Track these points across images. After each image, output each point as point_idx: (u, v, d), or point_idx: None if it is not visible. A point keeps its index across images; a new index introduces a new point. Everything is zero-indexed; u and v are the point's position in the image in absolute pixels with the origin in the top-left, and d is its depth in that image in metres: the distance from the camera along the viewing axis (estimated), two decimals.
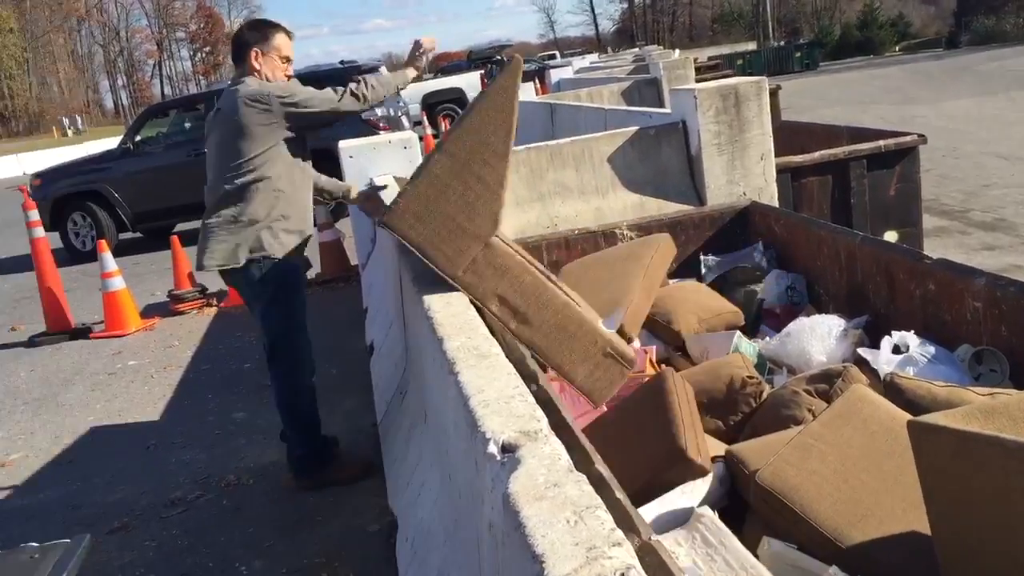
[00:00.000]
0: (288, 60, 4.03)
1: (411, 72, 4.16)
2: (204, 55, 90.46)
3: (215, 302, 8.75)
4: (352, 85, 3.94)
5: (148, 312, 8.83)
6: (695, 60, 15.40)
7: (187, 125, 13.16)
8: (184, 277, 8.83)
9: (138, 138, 12.83)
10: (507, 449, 1.74)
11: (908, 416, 2.38)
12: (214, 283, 9.13)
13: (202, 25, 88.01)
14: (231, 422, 5.45)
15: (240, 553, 3.84)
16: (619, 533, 1.36)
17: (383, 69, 15.15)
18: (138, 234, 13.36)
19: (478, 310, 2.87)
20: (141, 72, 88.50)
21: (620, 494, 2.22)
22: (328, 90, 3.94)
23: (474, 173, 2.26)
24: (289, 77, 4.08)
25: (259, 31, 4.01)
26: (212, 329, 7.90)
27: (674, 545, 2.16)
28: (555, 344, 2.30)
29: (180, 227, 12.37)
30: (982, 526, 1.74)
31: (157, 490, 4.62)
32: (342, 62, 13.78)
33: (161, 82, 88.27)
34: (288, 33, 4.06)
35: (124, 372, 6.97)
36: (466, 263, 2.25)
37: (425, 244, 2.23)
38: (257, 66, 3.93)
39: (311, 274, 4.85)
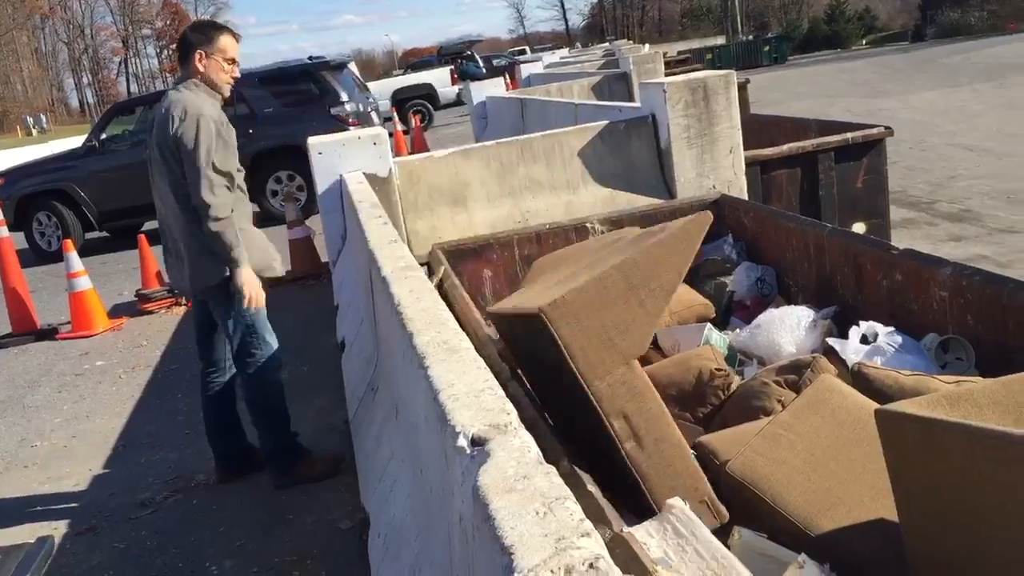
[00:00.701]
0: (233, 62, 3.99)
1: (240, 264, 3.91)
2: (171, 52, 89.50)
3: (183, 301, 8.66)
4: (222, 218, 3.78)
5: (116, 312, 8.73)
6: (665, 54, 15.47)
7: None
8: (152, 276, 8.75)
9: (103, 136, 12.67)
10: (477, 442, 1.74)
11: (876, 405, 2.40)
12: None
13: (168, 22, 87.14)
14: (200, 422, 5.34)
15: (211, 553, 3.81)
16: (588, 524, 1.35)
17: (352, 65, 15.07)
18: (104, 233, 13.21)
19: (448, 305, 2.86)
20: (107, 70, 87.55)
21: (592, 486, 2.22)
22: (215, 187, 3.78)
23: (639, 298, 2.38)
24: (235, 79, 4.04)
25: (203, 33, 3.97)
26: (181, 328, 7.82)
27: (645, 536, 2.15)
28: (660, 476, 2.38)
29: (147, 226, 12.24)
30: (948, 512, 1.76)
31: (126, 491, 4.57)
32: (311, 58, 13.69)
33: (127, 80, 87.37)
34: (234, 35, 4.02)
35: (92, 373, 6.89)
36: (606, 375, 2.32)
37: (574, 344, 2.30)
38: (201, 68, 3.90)
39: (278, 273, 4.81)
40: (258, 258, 4.05)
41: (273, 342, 4.16)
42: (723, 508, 2.42)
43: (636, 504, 2.36)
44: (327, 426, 4.91)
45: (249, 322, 4.04)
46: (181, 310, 8.46)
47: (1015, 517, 1.61)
